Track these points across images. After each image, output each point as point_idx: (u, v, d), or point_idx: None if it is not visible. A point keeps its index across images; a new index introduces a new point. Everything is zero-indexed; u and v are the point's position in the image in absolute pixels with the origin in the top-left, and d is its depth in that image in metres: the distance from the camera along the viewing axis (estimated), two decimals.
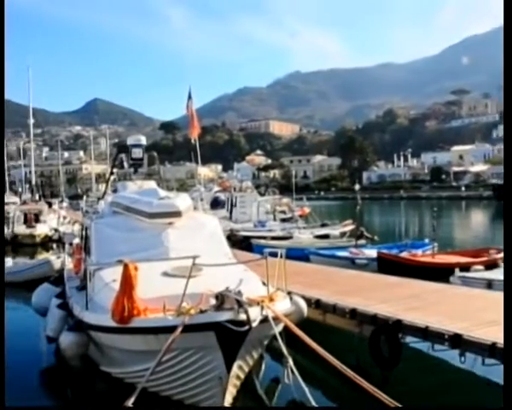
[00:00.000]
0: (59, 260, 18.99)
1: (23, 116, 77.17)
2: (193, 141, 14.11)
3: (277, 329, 7.50)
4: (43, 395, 9.33)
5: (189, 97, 13.08)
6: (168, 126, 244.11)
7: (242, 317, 6.85)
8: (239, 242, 24.19)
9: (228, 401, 7.37)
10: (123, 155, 13.25)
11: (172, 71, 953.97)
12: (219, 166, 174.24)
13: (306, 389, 7.01)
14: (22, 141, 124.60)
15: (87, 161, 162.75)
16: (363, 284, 13.19)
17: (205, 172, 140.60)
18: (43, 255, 28.42)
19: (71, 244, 17.64)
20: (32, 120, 53.54)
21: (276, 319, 7.41)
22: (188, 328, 6.79)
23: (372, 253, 19.26)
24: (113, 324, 7.39)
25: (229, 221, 33.45)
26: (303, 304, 9.78)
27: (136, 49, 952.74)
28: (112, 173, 14.96)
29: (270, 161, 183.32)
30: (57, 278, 12.81)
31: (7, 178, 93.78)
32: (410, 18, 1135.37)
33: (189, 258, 7.35)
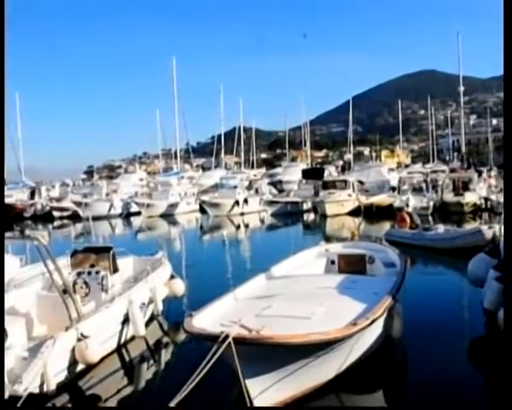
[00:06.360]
0: (490, 230, 18.42)
1: (451, 85, 77.84)
2: None
3: None
4: (471, 362, 9.20)
5: None
6: None
7: None
8: None
9: None
10: None
11: None
12: None
13: None
14: (450, 110, 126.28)
15: None
16: None
17: None
18: (470, 224, 28.09)
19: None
20: (461, 88, 53.28)
21: None
22: None
23: None
24: None
25: None
26: None
27: None
28: None
29: None
30: (493, 249, 12.35)
31: (435, 147, 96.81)
32: None
33: None
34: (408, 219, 22.59)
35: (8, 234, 8.88)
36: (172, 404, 6.08)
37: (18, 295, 9.97)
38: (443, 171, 50.13)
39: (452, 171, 44.07)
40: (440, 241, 20.21)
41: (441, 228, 21.27)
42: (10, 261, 13.67)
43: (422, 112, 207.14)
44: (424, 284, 14.67)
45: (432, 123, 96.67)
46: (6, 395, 6.98)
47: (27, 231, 10.74)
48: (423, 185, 40.87)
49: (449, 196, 36.82)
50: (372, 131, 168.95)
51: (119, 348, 9.86)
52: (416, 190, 40.06)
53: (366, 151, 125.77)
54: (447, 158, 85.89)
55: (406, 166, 79.46)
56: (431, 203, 35.49)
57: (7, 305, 9.41)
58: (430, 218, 31.68)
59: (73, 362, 8.30)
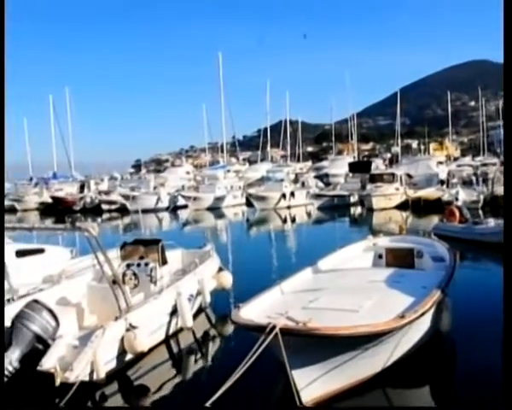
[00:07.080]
0: None
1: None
2: None
3: None
4: None
5: None
6: None
7: None
8: None
9: None
10: None
11: None
12: None
13: None
14: (502, 101, 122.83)
15: None
16: None
17: None
18: None
19: None
20: None
21: None
22: None
23: None
24: None
25: None
26: None
27: None
28: None
29: None
30: None
31: (485, 140, 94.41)
32: None
33: None
34: (457, 213, 22.09)
35: (59, 226, 9.10)
36: (221, 391, 6.14)
37: (69, 286, 10.22)
38: (494, 164, 48.92)
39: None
40: (491, 235, 19.66)
41: (492, 222, 20.71)
42: (61, 253, 14.05)
43: (473, 103, 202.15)
44: (474, 279, 14.37)
45: (482, 114, 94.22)
46: (57, 382, 7.17)
47: (78, 223, 10.95)
48: (473, 179, 39.95)
49: (500, 190, 35.80)
50: (420, 124, 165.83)
51: (167, 339, 9.99)
52: (466, 183, 39.21)
53: (414, 144, 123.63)
54: (498, 150, 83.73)
55: (455, 159, 77.84)
56: (481, 197, 34.67)
57: (58, 295, 9.68)
58: (480, 212, 30.97)
59: (122, 352, 8.45)
